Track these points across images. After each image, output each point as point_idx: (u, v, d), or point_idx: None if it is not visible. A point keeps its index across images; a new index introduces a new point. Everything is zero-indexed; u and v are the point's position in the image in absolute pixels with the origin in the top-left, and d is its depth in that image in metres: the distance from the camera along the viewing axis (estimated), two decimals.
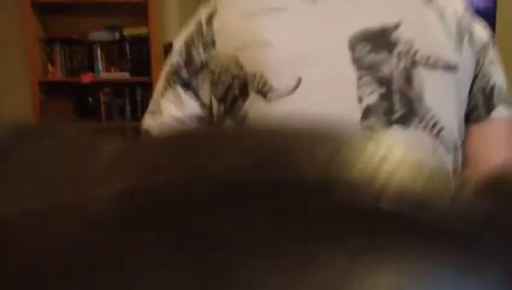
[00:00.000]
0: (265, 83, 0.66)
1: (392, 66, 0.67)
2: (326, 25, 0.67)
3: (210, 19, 0.71)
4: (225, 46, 0.69)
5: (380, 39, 0.67)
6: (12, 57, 3.22)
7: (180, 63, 0.74)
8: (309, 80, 0.65)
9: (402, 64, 0.67)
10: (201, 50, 0.72)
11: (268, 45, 0.66)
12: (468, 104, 0.74)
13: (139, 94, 3.22)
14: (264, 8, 0.68)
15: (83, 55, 3.19)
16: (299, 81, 0.65)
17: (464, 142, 0.74)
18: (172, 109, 0.74)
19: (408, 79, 0.67)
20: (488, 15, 2.84)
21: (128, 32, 3.16)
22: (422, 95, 0.68)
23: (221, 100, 0.70)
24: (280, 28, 0.67)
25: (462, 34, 0.72)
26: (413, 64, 0.67)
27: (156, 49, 3.09)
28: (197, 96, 0.73)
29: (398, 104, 0.67)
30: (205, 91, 0.72)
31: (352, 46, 0.66)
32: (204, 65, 0.72)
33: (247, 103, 0.67)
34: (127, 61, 3.18)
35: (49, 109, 3.15)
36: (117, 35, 3.17)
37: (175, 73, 0.74)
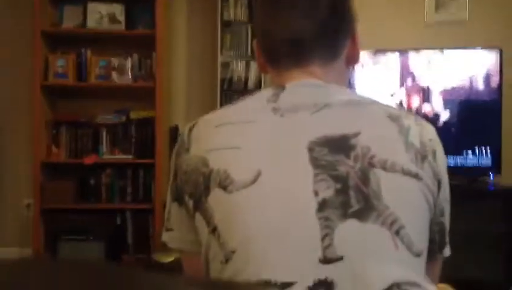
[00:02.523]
0: (227, 177, 0.73)
1: (348, 166, 0.72)
2: (289, 132, 0.75)
3: (190, 130, 0.81)
4: (197, 149, 0.77)
5: (338, 144, 0.73)
6: (18, 137, 3.24)
7: (173, 180, 0.82)
8: (267, 174, 0.72)
9: (358, 165, 0.72)
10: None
11: (235, 148, 0.74)
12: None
13: (141, 176, 3.19)
14: (236, 120, 0.78)
15: (87, 138, 3.21)
16: (259, 174, 0.72)
17: None
18: (177, 225, 0.82)
19: (364, 178, 0.72)
20: (495, 107, 2.92)
21: (135, 115, 3.22)
22: (380, 192, 0.71)
23: (191, 196, 0.77)
24: (247, 136, 0.76)
25: (425, 153, 0.76)
26: (370, 165, 0.72)
27: (161, 131, 3.13)
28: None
29: (354, 199, 0.70)
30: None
31: (311, 149, 0.73)
32: None
33: (210, 197, 0.73)
34: (132, 143, 3.20)
35: (50, 190, 3.09)
36: (123, 118, 3.22)
37: (171, 191, 0.82)
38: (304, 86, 0.80)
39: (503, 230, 2.76)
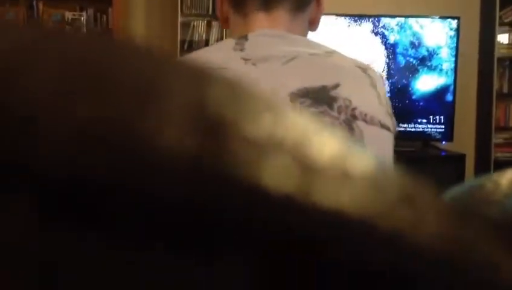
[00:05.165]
0: None
1: (332, 118, 0.71)
2: (266, 83, 0.72)
3: None
4: None
5: (319, 96, 0.72)
6: None
7: None
8: None
9: (342, 117, 0.71)
10: None
11: None
12: None
13: None
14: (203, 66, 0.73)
15: None
16: None
17: None
18: None
19: (349, 129, 0.71)
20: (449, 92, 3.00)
21: None
22: (363, 145, 0.71)
23: None
24: None
25: (389, 109, 0.77)
26: (353, 117, 0.72)
27: None
28: None
29: None
30: None
31: (293, 100, 0.71)
32: None
33: None
34: None
35: None
36: None
37: None
38: (267, 35, 0.77)
39: None
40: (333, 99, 0.72)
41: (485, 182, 0.26)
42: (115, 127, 0.08)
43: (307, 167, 0.09)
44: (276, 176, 0.08)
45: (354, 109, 0.72)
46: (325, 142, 0.10)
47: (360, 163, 0.10)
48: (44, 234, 0.07)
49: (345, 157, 0.10)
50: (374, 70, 0.79)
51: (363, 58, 0.84)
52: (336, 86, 0.73)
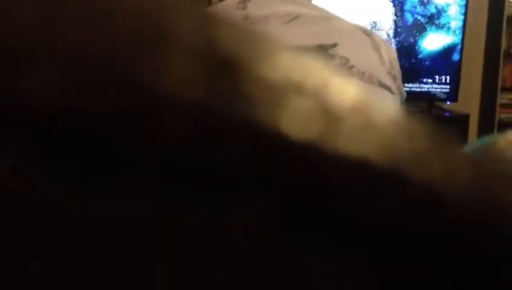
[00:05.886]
0: None
1: None
2: None
3: None
4: None
5: (315, 54, 0.70)
6: None
7: None
8: None
9: None
10: None
11: None
12: None
13: None
14: None
15: None
16: None
17: None
18: None
19: None
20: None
21: None
22: None
23: None
24: None
25: (394, 72, 0.77)
26: (350, 75, 0.72)
27: None
28: None
29: None
30: None
31: None
32: None
33: None
34: None
35: None
36: None
37: None
38: None
39: None
40: (330, 57, 0.72)
41: (498, 139, 0.25)
42: (115, 62, 0.07)
43: (329, 112, 0.08)
44: (296, 121, 0.07)
45: (351, 67, 0.72)
46: (347, 88, 0.09)
47: (386, 110, 0.09)
48: (35, 173, 0.07)
49: (368, 104, 0.09)
50: (378, 36, 0.80)
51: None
52: (334, 45, 0.73)
